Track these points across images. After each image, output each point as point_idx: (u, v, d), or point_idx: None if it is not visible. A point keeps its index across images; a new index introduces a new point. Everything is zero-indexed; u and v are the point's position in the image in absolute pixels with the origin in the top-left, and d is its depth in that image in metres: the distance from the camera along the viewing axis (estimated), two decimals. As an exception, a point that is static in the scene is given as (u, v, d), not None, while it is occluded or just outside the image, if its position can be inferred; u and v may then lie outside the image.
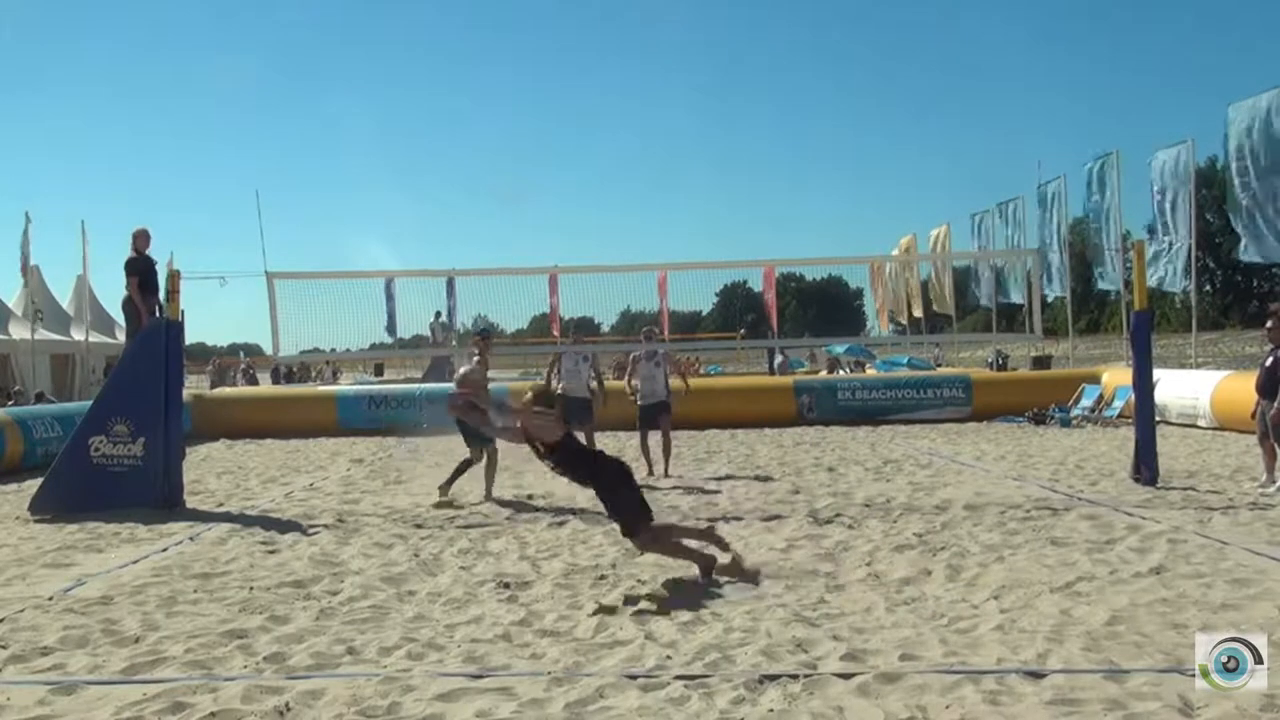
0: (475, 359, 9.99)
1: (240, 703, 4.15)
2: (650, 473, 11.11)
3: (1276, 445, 9.30)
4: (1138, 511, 8.25)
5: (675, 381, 11.68)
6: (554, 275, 25.66)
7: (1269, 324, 9.39)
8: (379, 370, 40.90)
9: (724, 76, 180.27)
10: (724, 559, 6.18)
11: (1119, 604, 5.39)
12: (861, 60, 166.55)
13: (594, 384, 11.54)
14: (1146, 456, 9.83)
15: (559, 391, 10.81)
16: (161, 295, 10.18)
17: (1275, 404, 9.10)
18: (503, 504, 9.53)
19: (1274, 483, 9.27)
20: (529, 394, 6.49)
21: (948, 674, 4.33)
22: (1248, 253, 18.11)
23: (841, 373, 26.42)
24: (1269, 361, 9.31)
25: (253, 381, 35.57)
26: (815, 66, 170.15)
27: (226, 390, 26.84)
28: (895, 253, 34.55)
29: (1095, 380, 18.37)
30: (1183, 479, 9.94)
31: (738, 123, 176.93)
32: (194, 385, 26.32)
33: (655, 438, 11.40)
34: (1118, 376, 17.30)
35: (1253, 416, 9.68)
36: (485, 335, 10.69)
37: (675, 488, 10.36)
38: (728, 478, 11.17)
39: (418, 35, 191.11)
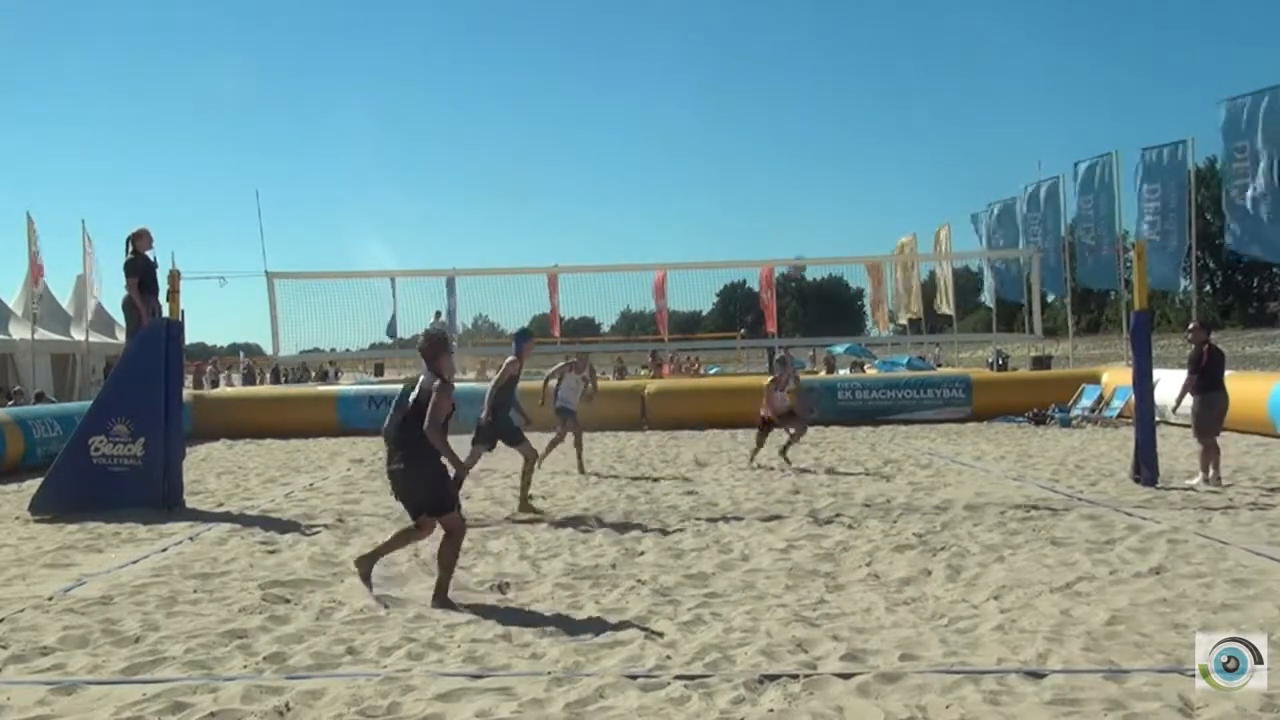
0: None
1: (240, 703, 4.16)
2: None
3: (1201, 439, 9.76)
4: (1138, 511, 8.25)
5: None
6: (554, 275, 25.73)
7: (1191, 326, 10.54)
8: (379, 370, 40.93)
9: (724, 76, 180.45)
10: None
11: (1119, 604, 5.39)
12: (862, 60, 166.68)
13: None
14: (1146, 456, 9.84)
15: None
16: (161, 295, 10.16)
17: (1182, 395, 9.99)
18: (503, 504, 9.53)
19: (1196, 476, 9.74)
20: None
21: (948, 674, 4.33)
22: (1241, 246, 18.17)
23: (843, 372, 26.41)
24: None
25: (250, 382, 35.57)
26: (815, 66, 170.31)
27: (226, 390, 26.85)
28: (895, 252, 34.54)
29: (1095, 380, 18.37)
30: (1183, 479, 9.94)
31: (737, 122, 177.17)
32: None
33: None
34: (1118, 376, 17.29)
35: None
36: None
37: (676, 489, 10.35)
38: (729, 476, 11.17)
39: (418, 35, 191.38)
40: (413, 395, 5.69)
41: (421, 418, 5.55)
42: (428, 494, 5.70)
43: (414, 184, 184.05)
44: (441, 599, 5.73)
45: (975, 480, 10.52)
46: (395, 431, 5.71)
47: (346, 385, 26.42)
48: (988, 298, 30.35)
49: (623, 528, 8.08)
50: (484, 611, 5.56)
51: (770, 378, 12.49)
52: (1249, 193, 17.13)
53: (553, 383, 11.86)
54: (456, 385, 6.00)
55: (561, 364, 12.22)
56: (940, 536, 7.38)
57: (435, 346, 5.85)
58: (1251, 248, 17.88)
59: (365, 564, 6.10)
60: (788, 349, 12.47)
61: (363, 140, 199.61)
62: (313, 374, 40.49)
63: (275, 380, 33.89)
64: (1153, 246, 19.26)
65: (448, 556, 5.77)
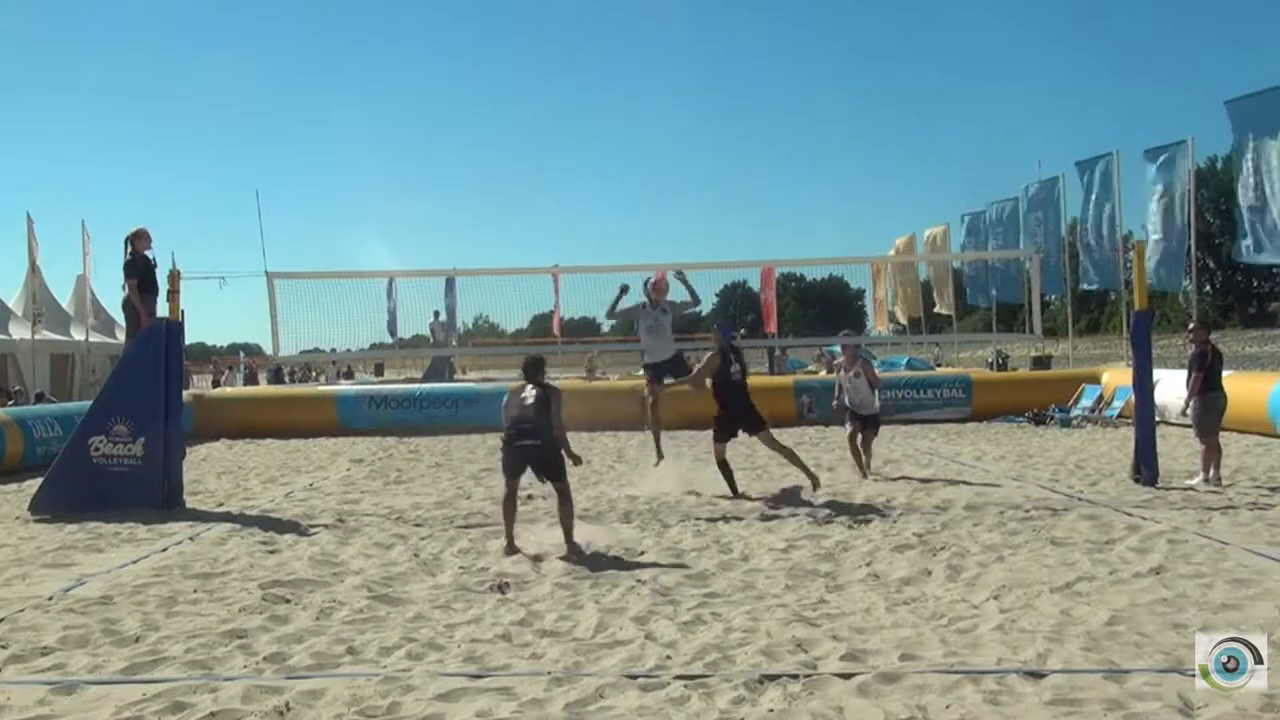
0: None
1: (240, 703, 4.16)
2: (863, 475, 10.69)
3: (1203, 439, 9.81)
4: (1138, 511, 8.24)
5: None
6: (555, 275, 25.71)
7: (1190, 326, 10.58)
8: (379, 370, 40.95)
9: (723, 76, 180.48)
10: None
11: (1119, 604, 5.39)
12: (862, 60, 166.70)
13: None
14: (1146, 456, 9.84)
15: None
16: (161, 295, 10.16)
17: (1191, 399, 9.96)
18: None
19: (1196, 476, 9.77)
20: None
21: (948, 674, 4.33)
22: (1250, 254, 18.03)
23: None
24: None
25: (251, 381, 35.59)
26: (816, 66, 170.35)
27: (226, 390, 26.82)
28: (891, 252, 34.54)
29: (1095, 380, 18.37)
30: (1183, 479, 9.94)
31: (737, 123, 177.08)
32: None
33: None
34: (1118, 376, 17.29)
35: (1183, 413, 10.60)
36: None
37: (676, 489, 10.32)
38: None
39: (417, 35, 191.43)
40: (528, 397, 7.17)
41: (545, 414, 7.12)
42: (559, 464, 7.19)
43: (414, 184, 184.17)
44: (571, 545, 7.03)
45: (975, 480, 10.51)
46: (533, 422, 7.09)
47: (346, 385, 26.44)
48: (983, 299, 30.36)
49: (623, 528, 8.08)
50: (484, 611, 5.56)
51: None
52: (1257, 194, 17.03)
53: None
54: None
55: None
56: (940, 536, 7.38)
57: (538, 366, 7.45)
58: (1262, 253, 17.67)
59: (572, 551, 6.97)
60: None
61: (363, 140, 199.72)
62: (319, 375, 40.45)
63: (277, 380, 33.81)
64: (1153, 247, 19.28)
65: (567, 514, 7.20)
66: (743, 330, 40.14)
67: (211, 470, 12.99)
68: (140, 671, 4.62)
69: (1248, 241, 17.50)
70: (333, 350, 26.89)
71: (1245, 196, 17.34)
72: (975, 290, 31.21)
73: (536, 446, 7.13)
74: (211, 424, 18.28)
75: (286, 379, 35.68)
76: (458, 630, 5.20)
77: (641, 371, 10.31)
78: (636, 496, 9.77)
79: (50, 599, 6.00)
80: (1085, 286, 25.13)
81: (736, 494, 9.49)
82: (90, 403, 11.01)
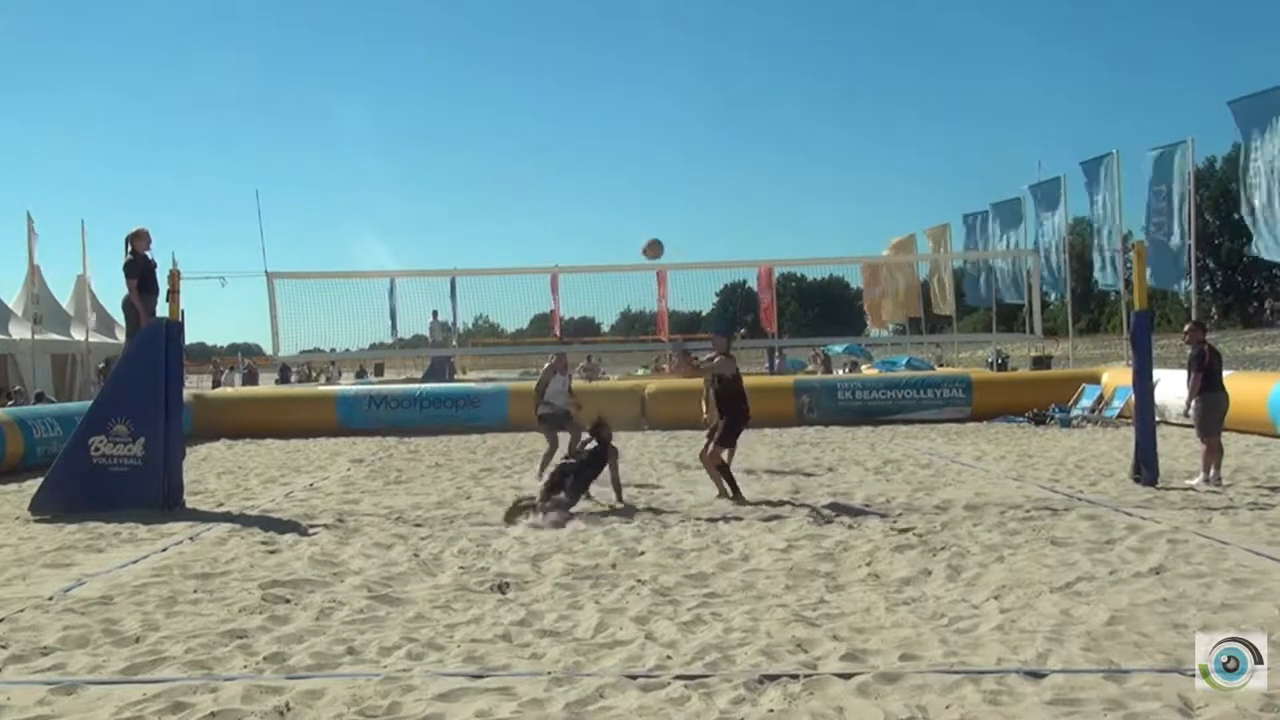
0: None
1: (240, 703, 4.16)
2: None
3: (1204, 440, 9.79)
4: (1138, 511, 8.25)
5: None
6: (555, 275, 25.71)
7: (1186, 328, 10.59)
8: (379, 370, 40.97)
9: (724, 77, 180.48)
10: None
11: (1119, 604, 5.39)
12: (862, 60, 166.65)
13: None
14: (1146, 457, 9.84)
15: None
16: (161, 295, 10.15)
17: (1191, 400, 9.94)
18: (501, 503, 9.51)
19: (1197, 476, 9.76)
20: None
21: (948, 674, 4.33)
22: (1261, 253, 17.97)
23: (839, 372, 26.42)
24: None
25: (251, 381, 35.62)
26: (816, 66, 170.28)
27: (226, 390, 26.81)
28: (885, 252, 34.56)
29: (1095, 380, 18.38)
30: (1183, 479, 9.94)
31: (737, 123, 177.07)
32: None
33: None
34: (1118, 376, 17.29)
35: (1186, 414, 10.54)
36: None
37: (676, 489, 10.33)
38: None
39: (418, 35, 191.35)
40: (587, 447, 9.32)
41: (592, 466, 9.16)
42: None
43: (414, 184, 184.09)
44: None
45: (975, 480, 10.52)
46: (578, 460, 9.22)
47: (346, 385, 26.43)
48: (982, 299, 30.37)
49: (623, 527, 8.08)
50: (484, 611, 5.56)
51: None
52: (1261, 194, 17.00)
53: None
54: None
55: (546, 365, 11.87)
56: (940, 536, 7.39)
57: (603, 428, 9.22)
58: (1271, 251, 17.56)
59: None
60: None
61: (363, 140, 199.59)
62: (320, 375, 40.40)
63: (284, 381, 33.77)
64: (1154, 246, 19.26)
65: (615, 468, 9.20)
66: (742, 330, 40.04)
67: (211, 470, 12.99)
68: (140, 671, 4.62)
69: (1258, 241, 17.46)
70: (332, 350, 26.92)
71: (1252, 196, 17.31)
72: (975, 290, 31.21)
73: (580, 464, 9.13)
74: (211, 424, 18.30)
75: (294, 379, 35.71)
76: (458, 630, 5.20)
77: (542, 410, 11.32)
78: (636, 496, 9.78)
79: (50, 599, 6.00)
80: (1102, 285, 25.15)
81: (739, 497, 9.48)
82: (90, 403, 11.01)
